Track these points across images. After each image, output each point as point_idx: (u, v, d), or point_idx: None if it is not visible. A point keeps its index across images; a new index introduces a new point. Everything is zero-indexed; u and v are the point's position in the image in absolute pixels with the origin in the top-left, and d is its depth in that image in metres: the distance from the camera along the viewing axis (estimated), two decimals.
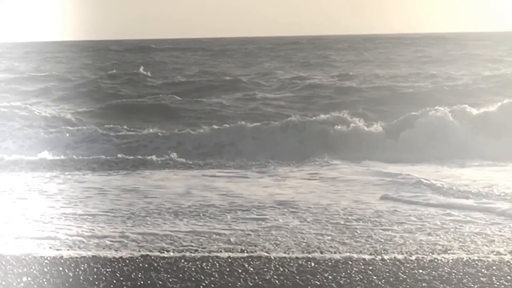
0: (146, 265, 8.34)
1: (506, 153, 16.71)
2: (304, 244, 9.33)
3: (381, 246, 9.17)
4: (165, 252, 9.03)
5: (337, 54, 68.61)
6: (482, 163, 16.06)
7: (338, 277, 7.81)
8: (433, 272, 7.93)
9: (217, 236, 9.85)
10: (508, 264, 8.24)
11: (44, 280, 7.80)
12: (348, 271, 8.02)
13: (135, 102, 28.43)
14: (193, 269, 8.20)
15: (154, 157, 17.51)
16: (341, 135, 18.88)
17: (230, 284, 7.62)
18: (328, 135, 18.92)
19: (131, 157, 17.90)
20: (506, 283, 7.49)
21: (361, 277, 7.82)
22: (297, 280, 7.71)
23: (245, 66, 54.65)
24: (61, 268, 8.20)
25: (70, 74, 45.16)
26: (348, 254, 8.78)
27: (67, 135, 20.48)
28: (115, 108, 27.39)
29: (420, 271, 8.00)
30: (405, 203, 11.77)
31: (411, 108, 21.16)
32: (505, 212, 10.81)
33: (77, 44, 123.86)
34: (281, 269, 8.14)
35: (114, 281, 7.75)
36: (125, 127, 21.83)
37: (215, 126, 20.22)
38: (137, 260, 8.54)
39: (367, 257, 8.65)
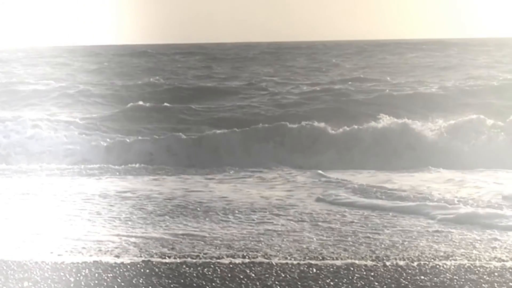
0: (148, 271, 8.33)
1: (464, 162, 16.79)
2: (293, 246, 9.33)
3: (383, 253, 9.17)
4: (167, 257, 9.03)
5: (337, 59, 68.54)
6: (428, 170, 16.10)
7: (340, 283, 7.81)
8: (435, 279, 7.93)
9: (218, 242, 9.84)
10: (510, 270, 8.23)
11: (45, 285, 7.80)
12: (350, 277, 8.02)
13: (131, 107, 28.29)
14: (194, 274, 8.19)
15: (143, 164, 17.82)
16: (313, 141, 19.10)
17: None
18: (297, 141, 19.15)
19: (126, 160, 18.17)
20: None
21: (362, 283, 7.82)
22: (299, 286, 7.71)
23: (244, 70, 54.63)
24: (62, 273, 8.20)
25: (72, 79, 45.18)
26: (350, 260, 8.78)
27: (66, 140, 20.48)
28: (116, 114, 27.36)
29: (422, 277, 7.99)
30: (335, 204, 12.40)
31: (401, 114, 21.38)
32: (435, 216, 11.16)
33: (77, 49, 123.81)
34: (283, 275, 8.13)
35: (115, 287, 7.75)
36: (118, 134, 22.02)
37: (201, 133, 20.37)
38: (139, 266, 8.54)
39: (369, 263, 8.65)
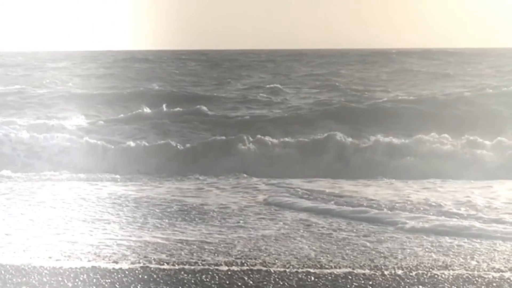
0: (146, 277, 8.33)
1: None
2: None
3: (381, 262, 9.17)
4: (165, 263, 9.02)
5: (338, 67, 68.42)
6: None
7: None
8: None
9: (213, 247, 9.84)
10: (509, 281, 8.23)
11: None
12: (348, 286, 8.01)
13: (128, 115, 28.24)
14: (192, 281, 8.19)
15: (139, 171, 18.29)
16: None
17: None
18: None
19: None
20: None
21: None
22: None
23: (240, 77, 54.56)
24: (60, 279, 8.20)
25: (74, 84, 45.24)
26: (348, 269, 8.77)
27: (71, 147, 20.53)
28: (112, 120, 27.33)
29: (420, 287, 7.99)
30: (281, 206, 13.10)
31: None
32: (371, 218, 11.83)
33: (77, 54, 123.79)
34: (281, 283, 8.12)
35: None
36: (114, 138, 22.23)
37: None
38: (137, 272, 8.53)
39: (367, 272, 8.64)
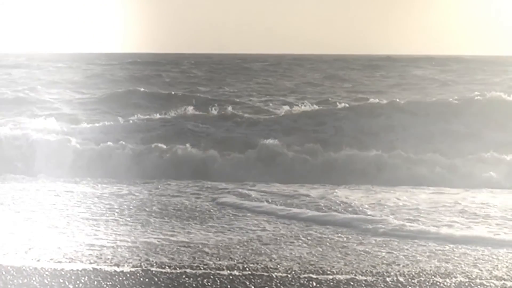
0: (147, 280, 8.32)
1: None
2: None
3: (383, 269, 9.15)
4: (166, 267, 9.01)
5: (339, 73, 68.32)
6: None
7: None
8: None
9: (214, 251, 9.83)
10: None
11: None
12: None
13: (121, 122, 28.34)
14: (194, 285, 8.18)
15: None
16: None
17: None
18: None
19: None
20: None
21: None
22: None
23: (242, 81, 54.56)
24: (61, 280, 8.19)
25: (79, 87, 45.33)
26: (350, 275, 8.76)
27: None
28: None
29: None
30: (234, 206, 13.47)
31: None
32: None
33: (77, 56, 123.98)
34: None
35: None
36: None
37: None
38: (138, 275, 8.52)
39: (369, 278, 8.62)
